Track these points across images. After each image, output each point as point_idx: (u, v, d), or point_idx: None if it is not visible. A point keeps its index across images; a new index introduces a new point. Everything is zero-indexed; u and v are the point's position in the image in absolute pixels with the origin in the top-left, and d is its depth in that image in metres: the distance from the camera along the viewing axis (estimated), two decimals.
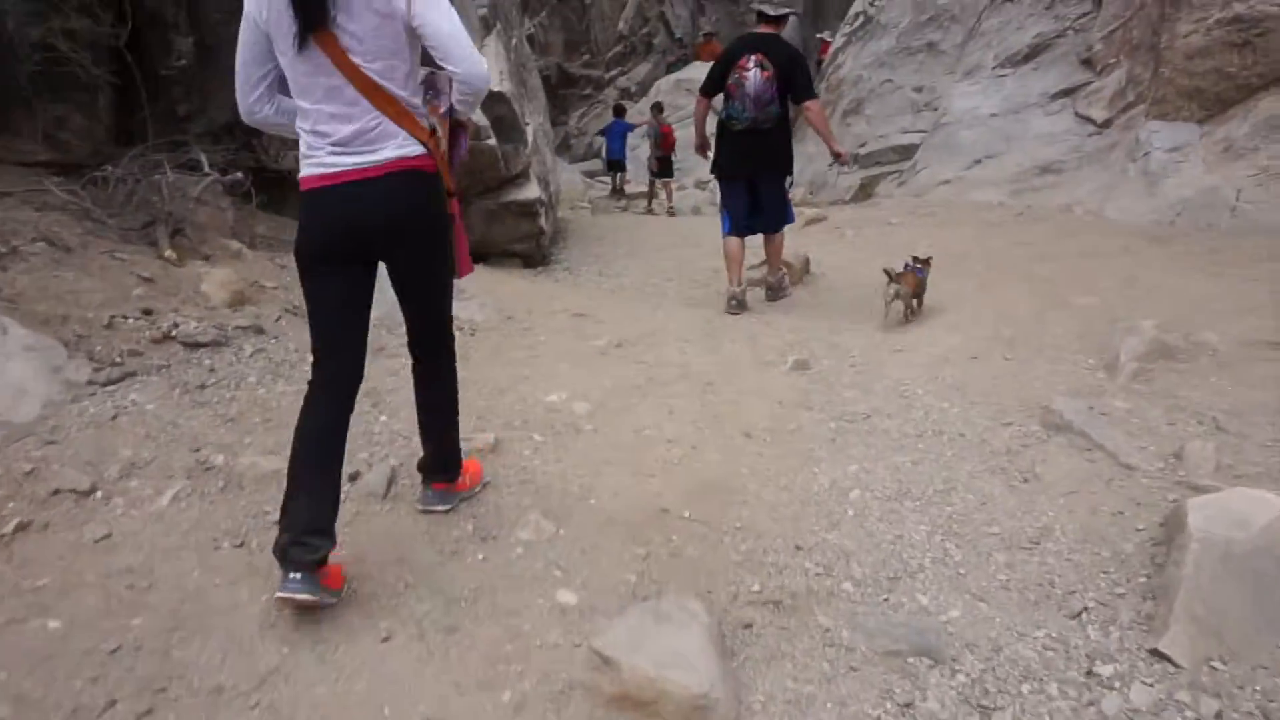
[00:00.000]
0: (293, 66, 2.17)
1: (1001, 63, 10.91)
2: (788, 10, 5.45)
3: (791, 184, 5.59)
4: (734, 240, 5.47)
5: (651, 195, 13.03)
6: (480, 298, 4.78)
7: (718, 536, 2.70)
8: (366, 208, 2.23)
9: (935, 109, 12.18)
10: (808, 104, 5.34)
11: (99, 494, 2.73)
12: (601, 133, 14.12)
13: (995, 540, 2.66)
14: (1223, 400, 3.58)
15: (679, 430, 3.36)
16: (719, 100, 5.42)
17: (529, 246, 7.02)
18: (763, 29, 5.40)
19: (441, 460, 2.70)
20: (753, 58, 5.18)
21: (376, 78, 2.18)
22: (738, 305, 5.41)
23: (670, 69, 19.64)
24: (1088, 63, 9.81)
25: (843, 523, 2.77)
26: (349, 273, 2.32)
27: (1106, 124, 9.16)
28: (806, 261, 6.31)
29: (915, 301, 5.12)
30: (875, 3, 15.66)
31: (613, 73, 19.52)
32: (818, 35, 19.38)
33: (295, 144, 2.31)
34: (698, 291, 6.17)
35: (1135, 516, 2.73)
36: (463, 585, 2.41)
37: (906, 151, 12.34)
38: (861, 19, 15.85)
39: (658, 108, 14.07)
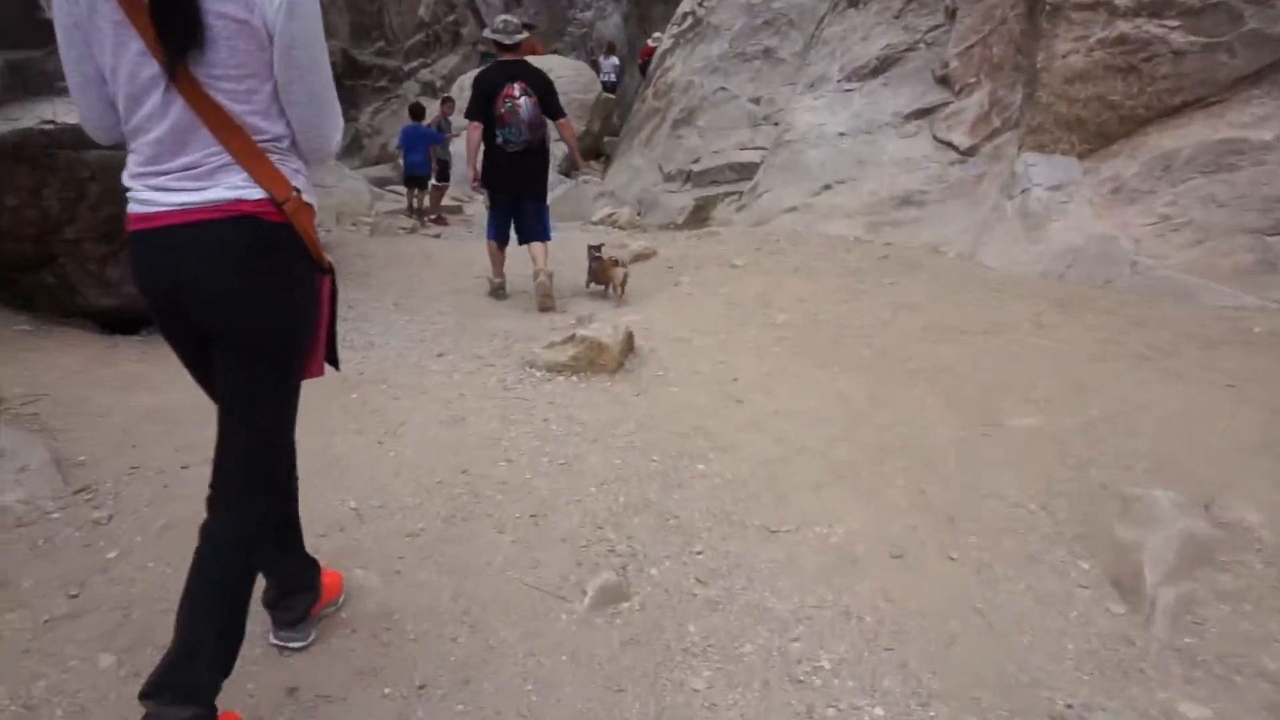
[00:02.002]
0: (111, 63, 1.60)
1: (848, 75, 9.63)
2: (521, 37, 5.76)
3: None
4: (495, 244, 6.06)
5: (434, 208, 10.96)
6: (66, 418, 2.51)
7: None
8: (183, 260, 1.63)
9: (776, 123, 10.78)
10: (562, 121, 5.91)
11: None
12: (402, 143, 11.16)
13: None
14: None
15: None
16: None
17: None
18: (507, 56, 5.73)
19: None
20: (516, 85, 5.52)
21: (224, 101, 1.60)
22: (502, 293, 6.09)
23: (484, 60, 17.35)
24: (944, 81, 8.61)
25: None
26: (193, 349, 1.76)
27: (971, 151, 7.94)
28: (629, 338, 4.44)
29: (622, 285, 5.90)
30: (705, 3, 14.22)
31: (413, 64, 16.92)
32: (648, 40, 17.80)
33: None
34: (475, 380, 4.18)
35: None
36: None
37: (745, 170, 10.87)
38: (690, 19, 14.37)
39: (447, 103, 11.77)
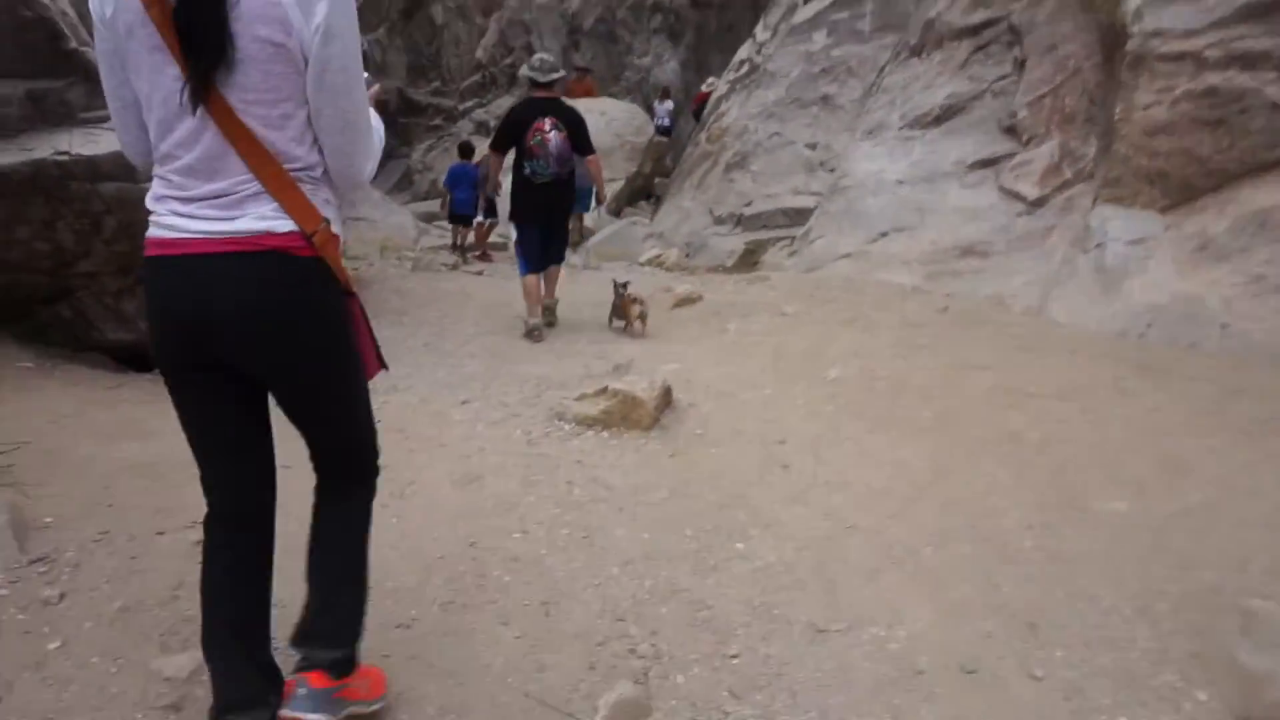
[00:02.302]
0: (146, 89, 1.57)
1: (909, 123, 9.29)
2: (555, 76, 5.95)
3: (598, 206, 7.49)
4: (532, 278, 6.04)
5: (479, 244, 10.90)
6: None
7: None
8: (209, 292, 1.58)
9: (832, 169, 10.46)
10: (591, 157, 6.12)
11: None
12: (449, 182, 11.18)
13: None
14: None
15: None
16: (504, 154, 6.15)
17: None
18: (541, 94, 5.89)
19: (330, 625, 1.82)
20: (547, 120, 5.70)
21: (257, 127, 1.55)
22: (539, 333, 5.93)
23: None
24: (1011, 131, 8.20)
25: None
26: (211, 382, 1.68)
27: (1040, 202, 7.49)
28: (667, 392, 4.10)
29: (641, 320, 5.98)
30: (762, 50, 14.07)
31: (468, 104, 17.02)
32: (703, 85, 17.68)
33: None
34: (498, 432, 3.89)
35: None
36: None
37: (799, 216, 10.55)
38: (747, 66, 14.23)
39: None
